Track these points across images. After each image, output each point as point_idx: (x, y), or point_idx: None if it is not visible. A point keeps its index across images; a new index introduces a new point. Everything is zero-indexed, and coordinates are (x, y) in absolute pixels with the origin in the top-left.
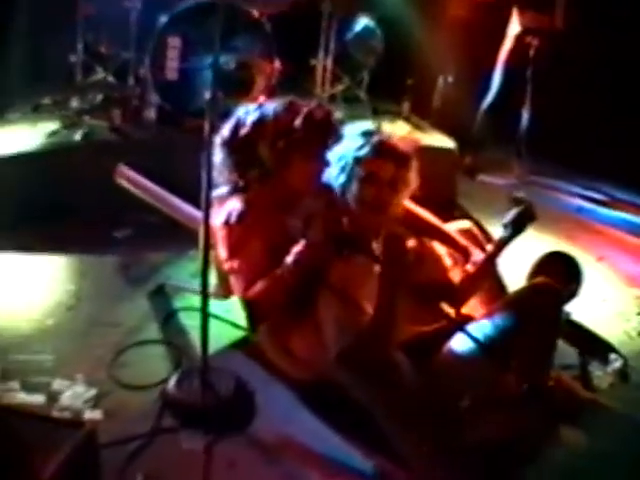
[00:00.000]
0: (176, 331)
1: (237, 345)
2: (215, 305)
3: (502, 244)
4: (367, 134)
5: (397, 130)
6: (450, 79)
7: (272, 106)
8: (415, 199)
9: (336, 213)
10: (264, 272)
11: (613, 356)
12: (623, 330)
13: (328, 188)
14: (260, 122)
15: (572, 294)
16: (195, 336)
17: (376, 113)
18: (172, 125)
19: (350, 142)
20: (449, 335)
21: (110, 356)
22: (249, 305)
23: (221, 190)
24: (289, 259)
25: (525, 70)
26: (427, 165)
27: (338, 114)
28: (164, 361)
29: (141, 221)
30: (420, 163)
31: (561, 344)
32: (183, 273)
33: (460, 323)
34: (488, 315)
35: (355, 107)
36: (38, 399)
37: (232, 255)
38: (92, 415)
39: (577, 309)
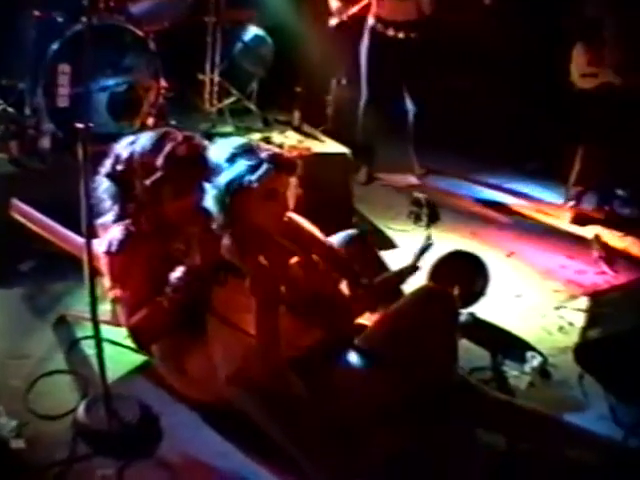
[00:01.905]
0: (80, 360)
1: (139, 370)
2: (113, 332)
3: (404, 276)
4: (249, 151)
5: (287, 140)
6: (344, 81)
7: (143, 141)
8: (310, 208)
9: (213, 238)
10: (146, 300)
11: (530, 354)
12: (541, 326)
13: (205, 213)
14: (130, 160)
15: (478, 293)
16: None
17: (267, 124)
18: (66, 153)
19: (235, 165)
20: (340, 348)
21: (25, 387)
22: (133, 333)
23: (106, 218)
24: (167, 285)
25: (394, 61)
26: (320, 173)
27: (209, 143)
28: (73, 390)
29: (44, 252)
30: (313, 171)
31: (473, 347)
32: (82, 302)
33: (350, 336)
34: (380, 324)
35: (245, 119)
36: None
37: (114, 284)
38: (17, 444)
39: (489, 308)
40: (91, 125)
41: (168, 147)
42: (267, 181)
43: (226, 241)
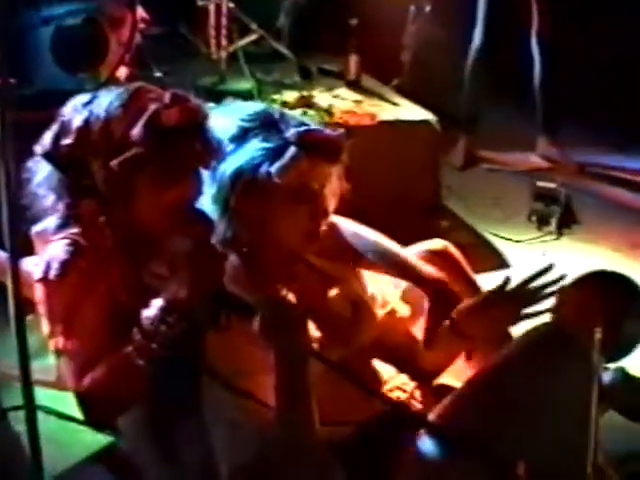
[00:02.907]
0: (7, 441)
1: (98, 457)
2: (60, 398)
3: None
4: (268, 124)
5: (338, 103)
6: (428, 9)
7: (106, 100)
8: (372, 207)
9: (211, 257)
10: (105, 351)
11: None
12: None
13: (201, 218)
14: (86, 129)
15: (633, 339)
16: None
17: (306, 77)
18: None
19: (245, 147)
20: (407, 426)
21: None
22: (85, 401)
23: (47, 223)
24: (138, 330)
25: None
26: (390, 152)
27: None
28: None
29: None
30: (379, 150)
31: (625, 422)
32: (14, 352)
33: (425, 406)
34: (470, 388)
35: (273, 69)
36: None
37: (56, 327)
38: None
39: None
40: (12, 81)
41: (150, 110)
42: (295, 173)
43: (231, 263)
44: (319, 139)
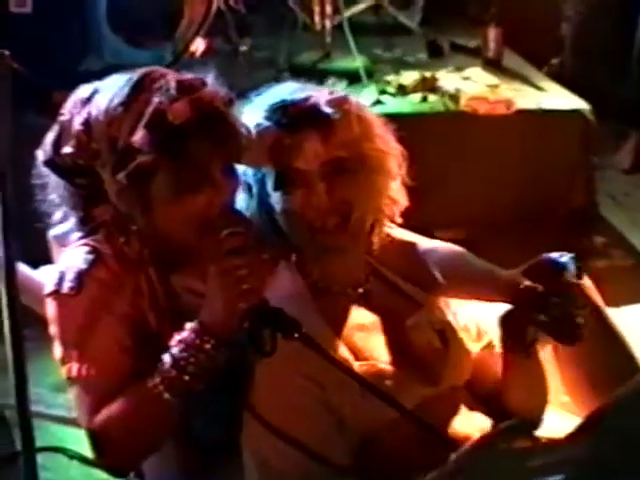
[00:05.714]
0: None
1: None
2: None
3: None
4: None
5: (468, 86)
6: None
7: (107, 94)
8: (505, 213)
9: (252, 266)
10: (126, 382)
11: None
12: None
13: (238, 220)
14: (86, 134)
15: None
16: None
17: (436, 53)
18: (28, 103)
19: None
20: None
21: None
22: (99, 443)
23: (66, 226)
24: (167, 357)
25: None
26: (532, 147)
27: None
28: None
29: None
30: (517, 144)
31: None
32: (39, 384)
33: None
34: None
35: (396, 44)
36: None
37: (69, 350)
38: None
39: None
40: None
41: (151, 106)
42: (263, 153)
43: (282, 272)
44: (301, 110)
